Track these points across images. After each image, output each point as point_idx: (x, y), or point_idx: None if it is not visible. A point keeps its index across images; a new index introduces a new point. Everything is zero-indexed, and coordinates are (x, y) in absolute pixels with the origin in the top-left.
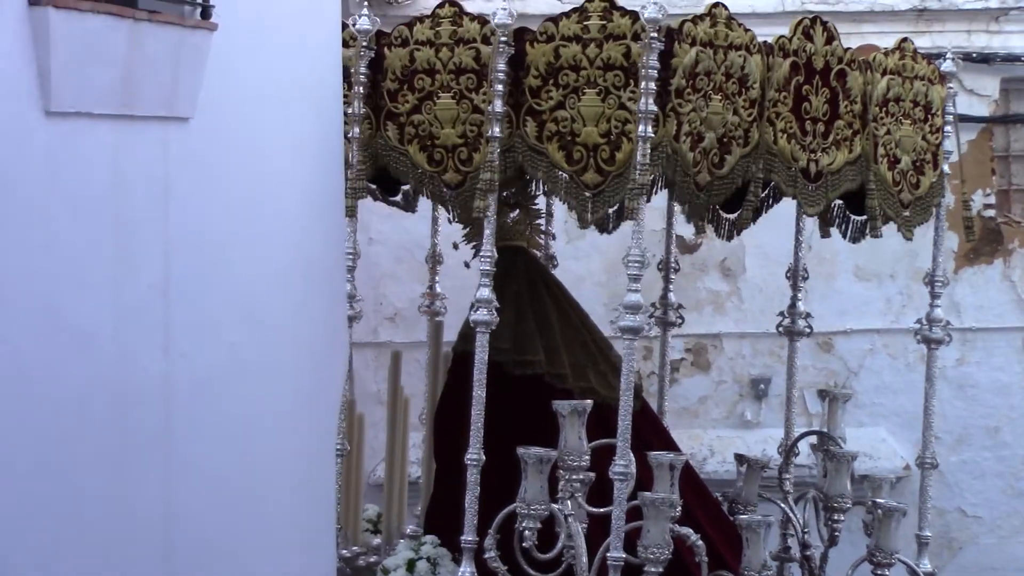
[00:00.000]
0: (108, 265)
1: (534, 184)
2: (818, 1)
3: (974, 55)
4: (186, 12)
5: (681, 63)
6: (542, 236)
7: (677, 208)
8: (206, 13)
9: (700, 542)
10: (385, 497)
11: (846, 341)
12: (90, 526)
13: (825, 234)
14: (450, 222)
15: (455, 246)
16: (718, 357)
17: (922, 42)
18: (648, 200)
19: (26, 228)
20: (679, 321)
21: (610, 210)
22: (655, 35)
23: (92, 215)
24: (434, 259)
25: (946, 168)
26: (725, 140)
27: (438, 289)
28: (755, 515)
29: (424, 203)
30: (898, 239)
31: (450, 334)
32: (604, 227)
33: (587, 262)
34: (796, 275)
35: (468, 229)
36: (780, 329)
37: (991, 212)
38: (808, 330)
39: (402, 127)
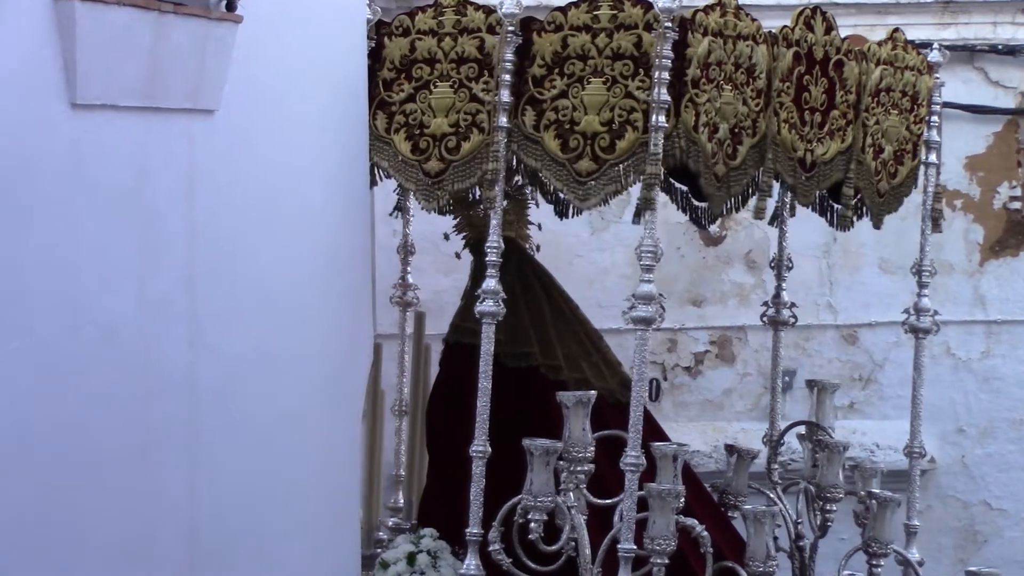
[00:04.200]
0: (133, 257)
1: (520, 174)
2: None
3: (1000, 47)
4: (211, 4)
5: (695, 53)
6: (529, 227)
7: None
8: (231, 5)
9: (705, 533)
10: (365, 490)
11: (871, 333)
12: (115, 518)
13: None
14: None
15: (446, 237)
16: (743, 349)
17: (947, 34)
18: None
19: (51, 220)
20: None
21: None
22: (669, 24)
23: (117, 207)
24: (405, 249)
25: (933, 158)
26: (736, 131)
27: (410, 280)
28: (759, 505)
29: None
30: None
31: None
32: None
33: (611, 254)
34: (780, 265)
35: (457, 220)
36: (764, 319)
37: (1016, 204)
38: (793, 319)
39: (392, 116)
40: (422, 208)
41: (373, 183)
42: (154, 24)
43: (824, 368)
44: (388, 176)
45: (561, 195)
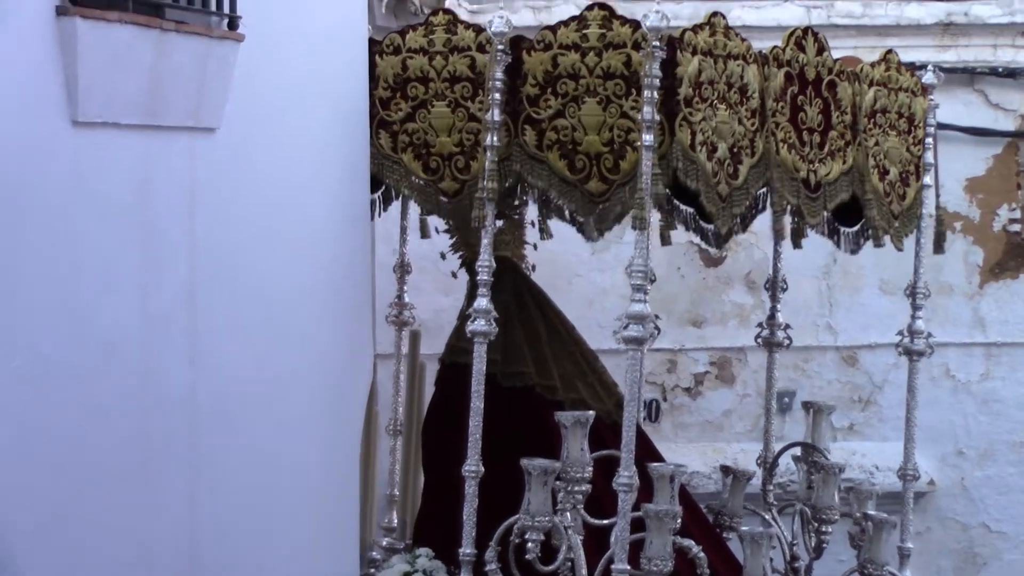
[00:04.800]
0: (134, 274)
1: (519, 194)
2: (844, 15)
3: (1000, 69)
4: (213, 23)
5: (686, 72)
6: (526, 246)
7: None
8: (233, 24)
9: (702, 554)
10: (360, 509)
11: (871, 355)
12: (115, 534)
13: (797, 245)
14: (437, 231)
15: (443, 256)
16: (743, 370)
17: (948, 56)
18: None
19: (53, 237)
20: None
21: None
22: (657, 44)
23: (118, 224)
24: (402, 268)
25: (928, 180)
26: (735, 150)
27: (406, 299)
28: (755, 527)
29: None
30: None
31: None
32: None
33: (611, 274)
34: (775, 287)
35: (454, 239)
36: (759, 341)
37: (1016, 227)
38: (788, 341)
39: (395, 135)
40: (453, 230)
41: (387, 204)
42: (156, 42)
43: (824, 389)
44: (398, 197)
45: (578, 218)
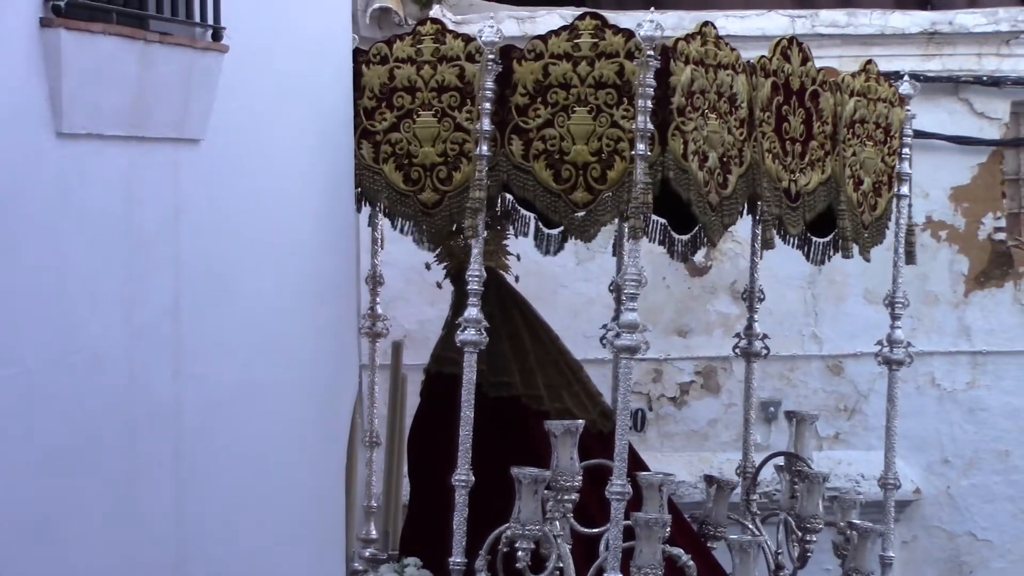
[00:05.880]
0: (119, 287)
1: (499, 204)
2: (828, 24)
3: (984, 78)
4: (197, 34)
5: (679, 81)
6: (509, 257)
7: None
8: (217, 35)
9: (691, 562)
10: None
11: (856, 364)
12: (101, 545)
13: (769, 246)
14: (421, 242)
15: (427, 267)
16: (728, 380)
17: (932, 65)
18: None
19: (38, 249)
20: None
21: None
22: (652, 53)
23: (103, 236)
24: (374, 280)
25: (904, 190)
26: (725, 160)
27: (379, 310)
28: (745, 535)
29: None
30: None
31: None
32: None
33: (596, 284)
34: (752, 296)
35: (439, 250)
36: (737, 351)
37: (1001, 235)
38: (765, 351)
39: (378, 145)
40: (425, 240)
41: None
42: (140, 53)
43: (809, 399)
44: (372, 204)
45: (559, 228)
